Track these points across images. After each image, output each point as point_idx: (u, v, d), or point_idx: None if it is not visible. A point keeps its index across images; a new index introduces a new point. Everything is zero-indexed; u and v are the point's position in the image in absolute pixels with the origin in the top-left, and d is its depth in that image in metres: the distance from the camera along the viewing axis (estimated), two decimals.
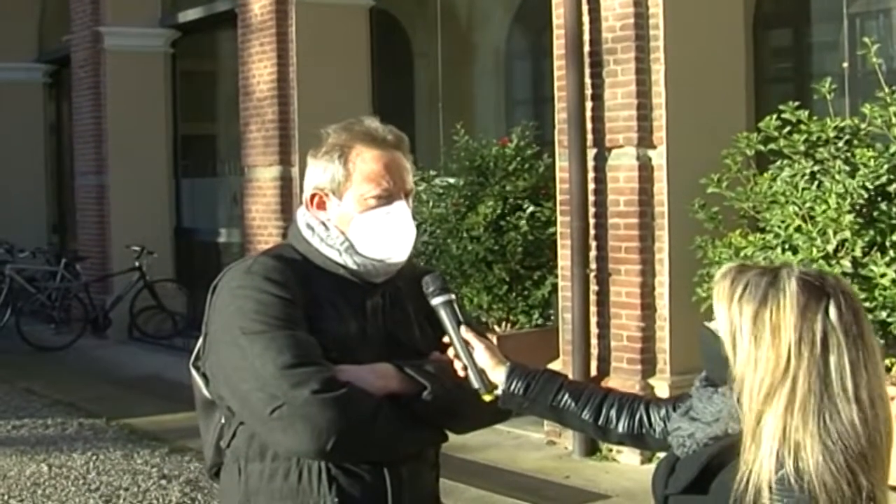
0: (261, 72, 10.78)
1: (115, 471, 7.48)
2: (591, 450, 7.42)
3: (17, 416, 9.13)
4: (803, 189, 6.12)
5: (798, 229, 6.09)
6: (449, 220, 8.95)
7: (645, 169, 7.37)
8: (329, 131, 2.60)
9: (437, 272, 2.60)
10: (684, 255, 6.98)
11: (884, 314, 5.80)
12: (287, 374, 2.32)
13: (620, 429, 2.45)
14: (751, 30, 7.93)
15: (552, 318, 8.84)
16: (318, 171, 2.57)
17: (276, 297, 2.42)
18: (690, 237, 6.86)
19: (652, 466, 7.31)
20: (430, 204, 9.05)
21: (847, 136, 6.19)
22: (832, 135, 6.16)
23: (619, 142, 7.45)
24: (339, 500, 2.42)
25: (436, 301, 2.53)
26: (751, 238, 6.38)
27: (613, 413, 2.46)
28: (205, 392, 2.59)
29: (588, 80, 7.56)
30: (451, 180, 9.22)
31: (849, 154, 6.11)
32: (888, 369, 5.89)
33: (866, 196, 5.91)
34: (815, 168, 6.20)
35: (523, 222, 8.67)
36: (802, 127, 6.26)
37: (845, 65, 7.41)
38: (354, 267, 2.54)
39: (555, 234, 8.08)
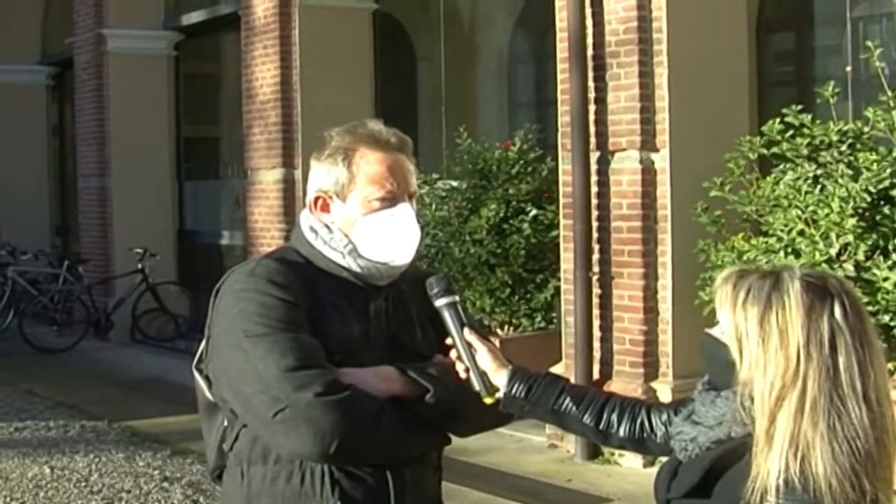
0: (264, 74, 10.79)
1: (117, 473, 7.48)
2: (593, 453, 7.42)
3: (20, 418, 9.13)
4: (806, 193, 6.12)
5: (801, 233, 6.09)
6: (452, 223, 8.95)
7: (648, 172, 7.37)
8: (332, 134, 2.61)
9: (441, 274, 2.60)
10: (687, 258, 6.98)
11: (886, 318, 5.79)
12: (290, 376, 2.32)
13: (622, 433, 2.45)
14: (754, 33, 7.93)
15: (555, 321, 8.84)
16: (322, 174, 2.57)
17: (280, 299, 2.42)
18: (693, 241, 6.86)
19: (654, 470, 7.30)
20: (433, 207, 9.05)
21: (850, 140, 6.19)
22: (835, 138, 6.16)
23: (622, 145, 7.45)
24: (341, 503, 2.42)
25: (440, 303, 2.52)
26: (753, 242, 6.38)
27: (615, 417, 2.46)
28: (207, 395, 2.59)
29: (591, 84, 7.56)
30: (454, 183, 9.22)
31: (852, 158, 6.10)
32: (891, 373, 5.88)
33: (869, 200, 5.90)
34: (818, 172, 6.20)
35: (526, 225, 8.67)
36: (805, 130, 6.26)
37: (848, 68, 7.40)
38: (358, 269, 2.54)
39: (557, 237, 8.08)
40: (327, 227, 2.57)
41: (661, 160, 7.34)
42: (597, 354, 7.62)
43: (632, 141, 7.38)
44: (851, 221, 5.86)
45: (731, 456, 2.07)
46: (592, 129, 7.57)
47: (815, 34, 8.38)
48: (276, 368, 2.33)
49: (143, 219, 13.18)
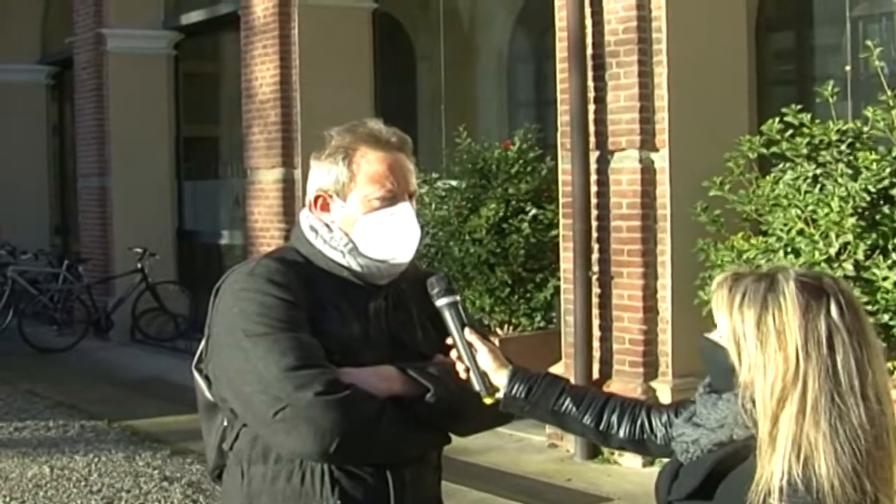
0: (263, 74, 10.79)
1: (116, 473, 7.48)
2: (592, 453, 7.42)
3: (20, 417, 9.13)
4: (806, 192, 6.12)
5: (800, 232, 6.09)
6: (451, 222, 8.95)
7: (647, 172, 7.37)
8: (332, 133, 2.61)
9: (442, 273, 2.60)
10: (686, 258, 6.98)
11: (886, 317, 5.80)
12: (290, 376, 2.33)
13: (621, 434, 2.45)
14: (753, 33, 7.93)
15: (554, 320, 8.84)
16: (322, 173, 2.57)
17: (279, 299, 2.42)
18: (693, 240, 6.86)
19: (654, 470, 7.27)
20: (433, 206, 9.05)
21: (849, 140, 6.19)
22: (834, 138, 6.16)
23: (621, 145, 7.45)
24: (341, 502, 2.42)
25: (441, 302, 2.52)
26: (753, 241, 6.38)
27: (615, 418, 2.46)
28: (207, 394, 2.59)
29: (590, 83, 7.56)
30: (454, 183, 9.22)
31: (851, 157, 6.10)
32: (890, 372, 5.88)
33: (869, 199, 5.91)
34: (818, 171, 6.20)
35: (525, 225, 8.67)
36: (805, 130, 6.26)
37: (848, 68, 7.41)
38: (358, 269, 2.54)
39: (557, 236, 8.08)
40: (327, 226, 2.57)
41: (661, 160, 7.34)
42: (596, 354, 7.62)
43: (631, 140, 7.39)
44: (851, 221, 5.86)
45: (734, 458, 2.08)
46: (592, 128, 7.57)
47: (815, 33, 8.39)
48: (277, 368, 2.33)
49: (142, 218, 13.18)
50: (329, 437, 2.31)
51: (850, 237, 5.88)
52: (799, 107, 6.35)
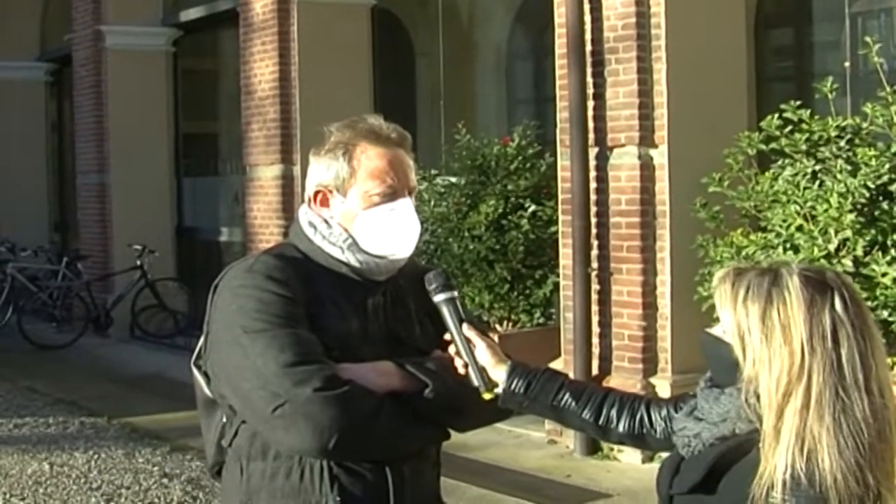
0: (262, 71, 10.79)
1: (116, 469, 7.48)
2: (592, 449, 7.42)
3: (19, 414, 9.14)
4: (805, 188, 6.12)
5: (799, 228, 6.09)
6: (450, 219, 8.95)
7: (646, 168, 7.37)
8: (332, 129, 2.61)
9: (440, 269, 2.60)
10: (686, 254, 6.98)
11: (885, 313, 5.80)
12: (289, 372, 2.33)
13: (621, 429, 2.45)
14: (752, 29, 7.93)
15: (554, 317, 8.85)
16: (322, 169, 2.57)
17: (278, 295, 2.42)
18: (692, 236, 6.87)
19: (653, 465, 7.28)
20: (432, 203, 9.06)
21: (848, 136, 6.19)
22: (834, 134, 6.16)
23: (620, 141, 7.45)
24: (340, 498, 2.42)
25: (438, 298, 2.53)
26: (752, 237, 6.38)
27: (614, 413, 2.46)
28: (206, 391, 2.59)
29: (590, 80, 7.56)
30: (453, 179, 9.22)
31: (850, 153, 6.10)
32: (890, 368, 5.88)
33: (868, 195, 5.91)
34: (817, 167, 6.20)
35: (525, 221, 8.68)
36: (804, 126, 6.26)
37: (847, 64, 7.41)
38: (357, 264, 2.54)
39: (556, 233, 8.08)
40: (326, 221, 2.57)
41: (660, 156, 7.34)
42: (596, 350, 7.62)
43: (630, 137, 7.38)
44: (850, 217, 5.86)
45: (736, 452, 2.08)
46: (591, 125, 7.57)
47: (814, 30, 8.39)
48: (275, 364, 2.33)
49: (142, 215, 13.17)
50: (328, 433, 2.31)
51: (849, 233, 5.88)
52: (798, 103, 6.35)
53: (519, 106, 11.70)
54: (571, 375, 6.87)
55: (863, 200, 5.93)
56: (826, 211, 5.93)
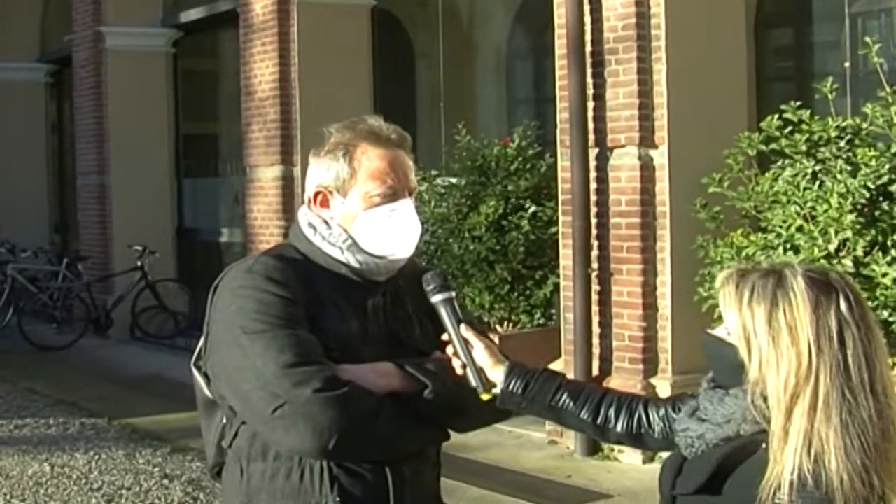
0: (262, 71, 10.79)
1: (117, 470, 7.48)
2: (592, 449, 7.42)
3: (20, 415, 9.14)
4: (805, 189, 6.12)
5: (800, 229, 6.09)
6: (451, 219, 8.95)
7: (646, 168, 7.37)
8: (332, 130, 2.61)
9: (437, 270, 2.60)
10: (686, 254, 6.99)
11: (885, 314, 5.80)
12: (289, 373, 2.33)
13: (619, 428, 2.45)
14: (752, 29, 7.93)
15: (554, 317, 8.85)
16: (322, 170, 2.58)
17: (278, 296, 2.42)
18: (692, 237, 6.87)
19: (654, 466, 7.28)
20: (432, 204, 9.06)
21: (848, 136, 6.19)
22: (834, 134, 6.16)
23: (620, 141, 7.45)
24: (340, 499, 2.42)
25: (436, 299, 2.53)
26: (752, 238, 6.38)
27: (612, 412, 2.46)
28: (206, 392, 2.59)
29: (590, 80, 7.56)
30: (453, 180, 9.23)
31: (850, 154, 6.10)
32: (891, 368, 5.88)
33: (868, 196, 5.91)
34: (817, 168, 6.20)
35: (525, 222, 8.68)
36: (804, 126, 6.26)
37: (847, 64, 7.41)
38: (356, 265, 2.54)
39: (556, 233, 8.08)
40: (326, 222, 2.57)
41: (660, 156, 7.34)
42: (596, 351, 7.62)
43: (630, 137, 7.39)
44: (850, 217, 5.86)
45: (741, 453, 2.08)
46: (591, 125, 7.57)
47: (814, 30, 8.39)
48: (275, 365, 2.33)
49: (142, 216, 13.18)
50: (327, 433, 2.31)
51: (849, 234, 5.88)
52: (798, 103, 6.35)
53: (519, 106, 11.70)
54: (572, 376, 6.89)
55: (863, 201, 5.92)
56: (826, 211, 5.93)
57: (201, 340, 2.58)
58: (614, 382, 7.30)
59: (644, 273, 7.36)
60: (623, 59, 7.40)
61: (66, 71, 15.46)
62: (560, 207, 7.90)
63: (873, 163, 5.88)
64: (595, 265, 7.60)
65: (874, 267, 5.81)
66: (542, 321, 8.97)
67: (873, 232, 5.95)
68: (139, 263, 12.87)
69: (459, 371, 2.48)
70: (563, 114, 7.73)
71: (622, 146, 7.45)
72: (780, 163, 6.44)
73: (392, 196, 2.53)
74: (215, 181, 13.58)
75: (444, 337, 2.52)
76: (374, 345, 2.50)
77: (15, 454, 7.89)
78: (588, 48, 7.57)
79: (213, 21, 12.69)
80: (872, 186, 5.89)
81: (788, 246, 6.12)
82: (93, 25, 13.37)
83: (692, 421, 2.20)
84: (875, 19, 8.13)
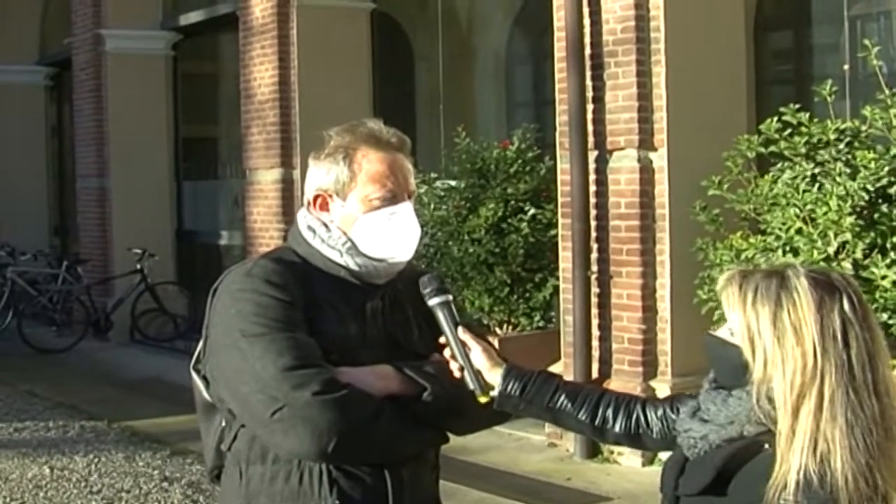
0: (262, 74, 10.79)
1: (116, 473, 7.48)
2: (592, 452, 7.42)
3: (19, 418, 9.14)
4: (804, 191, 6.12)
5: (799, 231, 6.09)
6: (450, 222, 8.95)
7: (646, 171, 7.37)
8: (332, 133, 2.61)
9: (434, 273, 2.61)
10: (685, 257, 6.99)
11: (885, 316, 5.79)
12: (287, 375, 2.33)
13: (617, 429, 2.46)
14: (751, 32, 7.94)
15: (553, 320, 8.84)
16: (321, 173, 2.58)
17: (276, 299, 2.42)
18: (691, 239, 6.87)
19: (653, 469, 7.28)
20: (432, 206, 9.05)
21: (848, 139, 6.19)
22: (833, 137, 6.16)
23: (620, 144, 7.45)
24: (339, 502, 2.42)
25: (433, 302, 2.53)
26: (752, 240, 6.38)
27: (610, 413, 2.46)
28: (205, 395, 2.59)
29: (589, 83, 7.57)
30: (453, 183, 9.22)
31: (849, 156, 6.11)
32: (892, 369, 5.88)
33: (867, 198, 5.91)
34: (816, 170, 6.20)
35: (524, 225, 8.67)
36: (803, 129, 6.26)
37: (846, 67, 7.41)
38: (356, 268, 2.55)
39: (556, 236, 8.08)
40: (325, 225, 2.57)
41: (660, 159, 7.35)
42: (595, 353, 7.62)
43: (630, 140, 7.39)
44: (849, 220, 5.86)
45: (745, 454, 2.09)
46: (590, 128, 7.57)
47: (813, 33, 8.39)
48: (274, 368, 2.34)
49: (141, 219, 13.18)
50: (326, 436, 2.32)
51: (848, 236, 5.88)
52: (797, 106, 6.35)
53: (518, 109, 11.70)
54: (571, 379, 6.88)
55: (862, 203, 5.93)
56: (825, 214, 5.93)
57: (200, 343, 2.58)
58: (614, 385, 7.30)
59: (643, 275, 7.37)
60: (622, 62, 7.40)
61: (65, 74, 15.47)
62: (559, 210, 7.90)
63: (872, 165, 5.88)
64: (594, 268, 7.60)
65: (873, 269, 5.81)
66: (541, 324, 8.97)
67: (872, 234, 5.95)
68: (139, 266, 12.87)
69: (457, 374, 2.48)
70: (562, 116, 7.73)
71: (621, 149, 7.45)
72: (779, 165, 6.44)
73: (392, 199, 2.53)
74: (215, 184, 13.59)
75: (442, 340, 2.52)
76: (372, 348, 2.50)
77: (14, 457, 7.89)
78: (587, 51, 7.57)
79: (213, 24, 12.70)
80: (872, 189, 5.89)
81: (788, 248, 6.12)
82: (92, 28, 13.38)
83: (694, 422, 2.21)
84: (874, 22, 8.14)
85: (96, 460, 7.79)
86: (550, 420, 2.55)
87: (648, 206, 7.37)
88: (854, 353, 2.01)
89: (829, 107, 6.30)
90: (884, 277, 5.77)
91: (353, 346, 2.48)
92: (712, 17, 7.52)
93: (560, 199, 7.85)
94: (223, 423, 2.57)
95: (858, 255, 5.89)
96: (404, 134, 2.63)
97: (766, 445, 2.06)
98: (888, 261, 5.84)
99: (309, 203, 2.61)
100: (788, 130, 6.33)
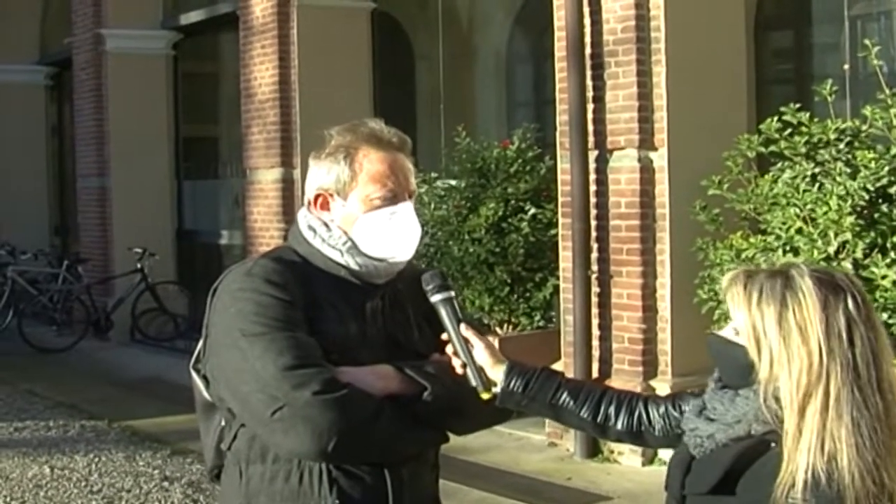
0: (262, 74, 10.80)
1: (117, 473, 7.49)
2: (592, 451, 7.42)
3: (20, 417, 9.14)
4: (804, 191, 6.12)
5: (799, 231, 6.09)
6: (450, 222, 8.95)
7: (646, 171, 7.37)
8: (333, 133, 2.61)
9: (436, 270, 2.61)
10: (685, 256, 6.99)
11: (885, 316, 5.79)
12: (288, 375, 2.33)
13: (619, 426, 2.46)
14: (752, 31, 7.94)
15: (554, 319, 8.84)
16: (322, 172, 2.58)
17: (276, 298, 2.42)
18: (691, 239, 6.87)
19: (653, 468, 7.26)
20: (432, 206, 9.05)
21: (848, 138, 6.19)
22: (833, 137, 6.16)
23: (620, 144, 7.45)
24: (339, 501, 2.42)
25: (436, 298, 2.53)
26: (752, 240, 6.38)
27: (612, 410, 2.47)
28: (205, 394, 2.59)
29: (589, 83, 7.57)
30: (453, 182, 9.22)
31: (850, 156, 6.10)
32: None
33: (867, 198, 5.91)
34: (816, 170, 6.20)
35: (525, 224, 8.67)
36: (803, 129, 6.26)
37: (846, 67, 7.41)
38: (356, 267, 2.55)
39: (556, 235, 8.08)
40: (326, 225, 2.57)
41: (660, 159, 7.35)
42: (596, 353, 7.62)
43: (630, 139, 7.39)
44: (850, 219, 5.86)
45: (752, 453, 2.10)
46: (591, 127, 7.57)
47: (814, 32, 8.39)
48: (274, 367, 2.34)
49: (142, 218, 13.19)
50: (327, 436, 2.32)
51: (848, 236, 5.88)
52: (797, 105, 6.35)
53: (519, 109, 11.70)
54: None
55: (862, 203, 5.93)
56: (826, 213, 5.93)
57: (200, 343, 2.58)
58: (614, 384, 7.27)
59: (644, 275, 7.37)
60: (623, 62, 7.40)
61: (66, 73, 15.47)
62: (560, 210, 7.90)
63: (873, 165, 5.88)
64: (595, 267, 7.60)
65: (874, 269, 5.81)
66: (541, 323, 8.97)
67: (873, 234, 5.95)
68: (139, 266, 12.87)
69: (459, 370, 2.48)
70: (562, 116, 7.73)
71: (622, 148, 7.45)
72: (779, 165, 6.44)
73: (392, 199, 2.54)
74: (215, 183, 13.59)
75: (444, 336, 2.52)
76: (372, 347, 2.50)
77: (15, 456, 7.89)
78: (588, 50, 7.57)
79: (213, 23, 12.70)
80: (872, 188, 5.89)
81: (788, 248, 6.12)
82: (93, 28, 13.38)
83: (700, 420, 2.22)
84: (874, 22, 8.13)
85: (96, 460, 7.79)
86: (552, 417, 2.55)
87: (648, 205, 7.37)
88: (859, 351, 2.03)
89: (829, 106, 6.30)
90: (884, 277, 5.77)
91: (354, 345, 2.48)
92: (712, 17, 7.52)
93: (560, 199, 7.85)
94: (223, 423, 2.58)
95: (858, 254, 5.89)
96: (405, 133, 2.63)
97: (773, 444, 2.07)
98: (888, 260, 5.84)
99: (309, 202, 2.61)
100: (789, 130, 6.33)
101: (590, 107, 7.57)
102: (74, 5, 13.87)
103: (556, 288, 8.31)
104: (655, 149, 7.36)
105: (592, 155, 7.59)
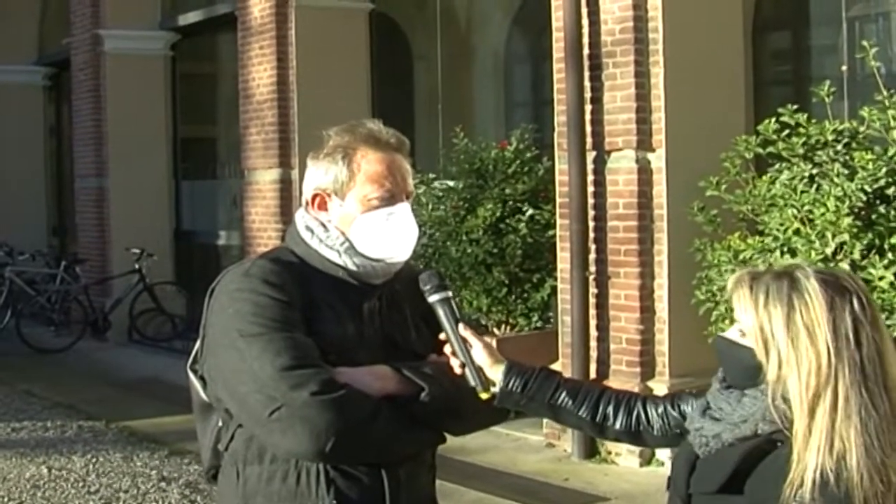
0: (260, 75, 10.80)
1: (114, 473, 7.48)
2: (590, 452, 7.43)
3: (17, 418, 9.13)
4: (802, 192, 6.13)
5: (797, 232, 6.10)
6: (448, 222, 8.95)
7: (644, 172, 7.38)
8: (331, 133, 2.61)
9: (433, 270, 2.61)
10: (683, 257, 6.99)
11: (883, 317, 5.79)
12: (285, 375, 2.33)
13: (618, 426, 2.47)
14: (750, 33, 7.94)
15: (551, 320, 8.84)
16: (320, 173, 2.58)
17: (274, 299, 2.42)
18: (689, 240, 6.87)
19: (651, 469, 7.26)
20: (430, 207, 9.05)
21: (846, 140, 6.20)
22: (831, 138, 6.17)
23: (618, 145, 7.46)
24: (336, 501, 2.42)
25: (433, 298, 2.54)
26: (750, 241, 6.38)
27: (611, 410, 2.47)
28: (202, 395, 2.60)
29: (587, 83, 7.57)
30: (451, 183, 9.22)
31: (847, 157, 6.11)
32: None
33: (865, 199, 5.91)
34: (814, 171, 6.21)
35: (523, 225, 8.67)
36: (801, 130, 6.27)
37: (844, 68, 7.42)
38: (354, 268, 2.55)
39: (554, 236, 8.09)
40: (323, 225, 2.57)
41: (658, 160, 7.35)
42: (593, 354, 7.63)
43: (628, 140, 7.39)
44: (847, 220, 5.86)
45: (760, 452, 2.11)
46: (589, 128, 7.57)
47: (811, 34, 8.40)
48: (272, 367, 2.34)
49: (140, 219, 13.19)
50: (324, 436, 2.32)
51: (846, 237, 5.88)
52: (795, 107, 6.36)
53: (517, 110, 11.70)
54: None
55: (860, 204, 5.93)
56: (823, 214, 5.93)
57: (197, 343, 2.58)
58: (611, 385, 7.27)
59: (641, 276, 7.37)
60: (620, 63, 7.41)
61: (64, 74, 15.47)
62: (557, 210, 7.90)
63: (870, 166, 5.89)
64: (592, 268, 7.60)
65: (871, 270, 5.82)
66: (539, 324, 8.97)
67: (870, 235, 5.95)
68: (137, 266, 12.87)
69: (458, 370, 2.49)
70: (560, 117, 7.73)
71: (619, 149, 7.45)
72: (777, 166, 6.44)
73: (390, 200, 2.54)
74: (213, 184, 13.59)
75: (442, 336, 2.52)
76: (370, 348, 2.50)
77: (12, 457, 7.89)
78: (586, 51, 7.57)
79: (212, 24, 12.71)
80: (869, 190, 5.89)
81: (785, 249, 6.12)
82: (91, 28, 13.38)
83: (705, 420, 2.22)
84: (872, 23, 8.14)
85: (94, 460, 7.79)
86: (551, 417, 2.55)
87: (646, 206, 7.38)
88: (865, 352, 2.04)
89: (827, 108, 6.31)
90: (881, 278, 5.77)
91: (351, 346, 2.48)
92: (711, 18, 7.52)
93: (558, 200, 7.86)
94: (220, 423, 2.58)
95: (856, 255, 5.89)
96: (403, 134, 2.63)
97: (780, 444, 2.08)
98: (886, 261, 5.84)
99: (307, 202, 2.61)
100: (786, 131, 6.33)
101: (588, 108, 7.57)
102: (73, 6, 13.87)
103: (554, 289, 8.31)
104: (653, 150, 7.37)
105: (590, 156, 7.59)
